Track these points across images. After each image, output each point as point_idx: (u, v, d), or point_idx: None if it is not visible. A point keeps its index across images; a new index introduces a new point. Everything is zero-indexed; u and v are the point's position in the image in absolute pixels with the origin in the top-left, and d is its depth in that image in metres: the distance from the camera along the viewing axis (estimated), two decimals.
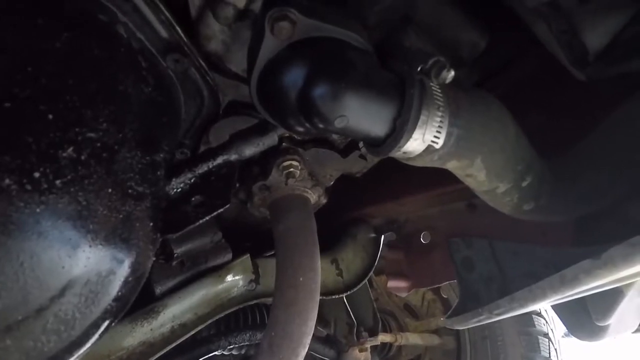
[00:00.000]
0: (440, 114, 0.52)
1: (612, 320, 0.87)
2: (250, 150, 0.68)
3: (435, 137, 0.53)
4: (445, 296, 2.12)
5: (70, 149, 0.38)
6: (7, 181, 0.33)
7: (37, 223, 0.35)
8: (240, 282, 1.12)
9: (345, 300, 1.48)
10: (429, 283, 1.54)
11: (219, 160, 0.64)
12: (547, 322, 1.54)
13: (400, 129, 0.52)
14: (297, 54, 0.49)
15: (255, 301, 1.19)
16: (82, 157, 0.39)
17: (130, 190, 0.45)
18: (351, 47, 0.51)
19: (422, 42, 0.81)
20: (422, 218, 1.57)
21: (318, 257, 1.05)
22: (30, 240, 0.34)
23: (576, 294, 0.65)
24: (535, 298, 0.64)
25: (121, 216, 0.43)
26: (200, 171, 0.62)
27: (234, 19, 0.58)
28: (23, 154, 0.35)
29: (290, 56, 0.49)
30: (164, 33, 0.57)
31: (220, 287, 1.08)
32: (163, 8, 0.54)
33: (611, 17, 0.74)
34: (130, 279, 0.44)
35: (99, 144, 0.42)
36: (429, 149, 0.56)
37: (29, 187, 0.34)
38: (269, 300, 1.24)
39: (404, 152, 0.56)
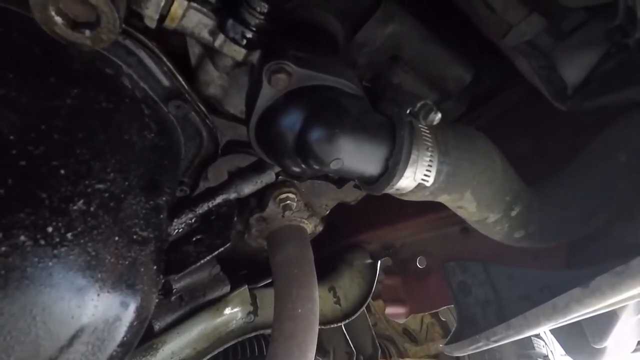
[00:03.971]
0: (429, 153, 0.56)
1: (609, 342, 0.89)
2: (249, 188, 0.70)
3: (425, 175, 0.56)
4: (443, 319, 2.12)
5: (81, 201, 0.40)
6: (22, 238, 0.35)
7: (49, 276, 0.36)
8: (239, 315, 1.11)
9: (343, 329, 1.48)
10: (426, 308, 1.54)
11: (219, 199, 0.66)
12: (546, 344, 1.54)
13: (392, 169, 0.55)
14: (294, 102, 0.52)
15: (254, 333, 1.18)
16: (92, 209, 0.41)
17: (135, 236, 0.46)
18: (344, 94, 0.55)
19: (410, 79, 0.86)
20: (417, 243, 1.59)
21: (316, 287, 1.05)
22: (42, 293, 0.36)
23: (570, 319, 0.67)
24: (530, 325, 0.65)
25: (127, 262, 0.44)
26: (200, 211, 0.64)
27: (232, 68, 0.61)
28: (37, 210, 0.37)
29: (287, 104, 0.52)
30: (166, 82, 0.60)
31: (219, 320, 1.07)
32: (165, 60, 0.57)
33: (586, 53, 0.79)
34: (135, 323, 0.45)
35: (106, 194, 0.44)
36: (420, 186, 0.59)
37: (42, 242, 0.36)
38: (269, 330, 1.24)
39: (397, 189, 0.59)
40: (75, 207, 0.40)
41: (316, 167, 0.54)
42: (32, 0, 0.38)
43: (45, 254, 0.36)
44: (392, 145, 0.55)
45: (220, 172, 0.81)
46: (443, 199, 0.65)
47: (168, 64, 0.56)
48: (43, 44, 0.45)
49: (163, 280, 0.54)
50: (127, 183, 0.47)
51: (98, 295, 0.40)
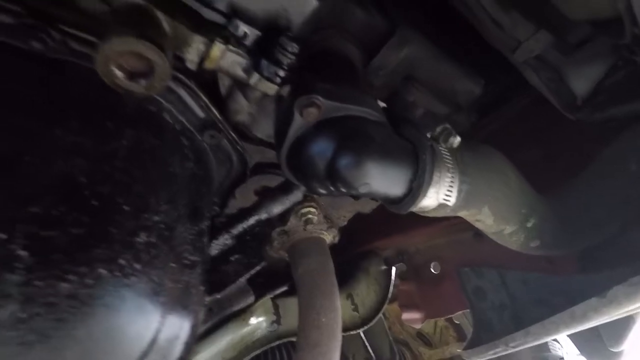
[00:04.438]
0: (450, 174, 0.60)
1: (626, 346, 0.92)
2: (278, 208, 0.75)
3: (447, 194, 0.60)
4: (457, 322, 2.14)
5: (144, 234, 0.45)
6: (101, 270, 0.40)
7: (123, 302, 0.41)
8: (264, 324, 1.16)
9: (362, 335, 1.51)
10: (442, 313, 1.57)
11: (252, 220, 0.71)
12: (561, 345, 1.57)
13: (416, 190, 0.59)
14: (323, 132, 0.56)
15: (278, 342, 1.23)
16: (152, 240, 0.46)
17: (185, 261, 0.51)
18: (368, 122, 0.59)
19: (423, 96, 0.90)
20: (430, 249, 1.61)
21: (338, 297, 1.10)
22: (119, 317, 0.40)
23: (587, 325, 0.71)
24: (549, 332, 0.69)
25: (181, 286, 0.49)
26: (236, 232, 0.68)
27: (261, 99, 0.66)
28: (110, 244, 0.42)
29: (317, 134, 0.57)
30: (201, 114, 0.65)
31: (245, 330, 1.12)
32: (202, 95, 0.62)
33: (594, 66, 0.82)
34: (189, 340, 0.49)
35: (162, 225, 0.49)
36: (442, 205, 0.63)
37: (117, 273, 0.41)
38: (292, 338, 1.28)
39: (420, 208, 0.63)
40: (139, 240, 0.45)
41: (345, 190, 0.58)
42: (97, 58, 0.43)
43: (119, 283, 0.41)
44: (415, 168, 0.59)
45: (248, 191, 0.86)
46: (462, 214, 0.69)
47: (204, 98, 0.61)
48: (99, 91, 0.50)
49: (207, 300, 0.59)
50: (176, 213, 0.52)
51: (161, 317, 0.45)
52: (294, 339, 1.37)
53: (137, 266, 0.43)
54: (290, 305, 1.28)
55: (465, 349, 1.16)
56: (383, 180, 0.58)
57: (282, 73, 0.53)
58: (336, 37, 0.68)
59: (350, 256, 1.72)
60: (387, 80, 0.84)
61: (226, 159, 0.75)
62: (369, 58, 0.77)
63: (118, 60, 0.44)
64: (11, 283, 0.35)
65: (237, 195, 0.85)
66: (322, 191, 0.64)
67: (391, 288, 1.62)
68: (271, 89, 0.56)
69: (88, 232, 0.41)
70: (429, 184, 0.59)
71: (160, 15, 0.50)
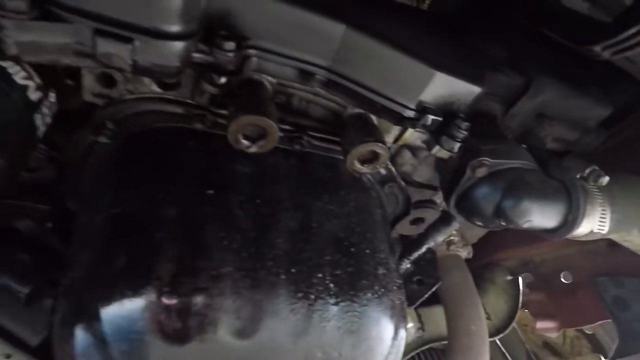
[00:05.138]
0: (600, 208, 0.73)
1: None
2: (441, 237, 0.94)
3: (600, 225, 0.73)
4: (589, 332, 2.07)
5: (381, 268, 0.68)
6: (368, 294, 0.63)
7: (377, 322, 0.63)
8: (412, 331, 1.35)
9: (498, 343, 1.61)
10: (579, 322, 1.59)
11: (424, 248, 0.91)
12: None
13: (571, 223, 0.73)
14: (491, 183, 0.74)
15: (424, 347, 1.41)
16: (385, 272, 0.69)
17: (397, 286, 0.73)
18: (526, 171, 0.75)
19: (554, 130, 1.01)
20: (559, 258, 1.65)
21: (482, 307, 1.24)
22: (377, 326, 0.63)
23: None
24: None
25: (400, 303, 0.70)
26: (413, 258, 0.89)
27: (427, 155, 0.86)
28: (367, 277, 0.65)
29: (485, 184, 0.75)
30: (384, 172, 0.87)
31: None
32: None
33: None
34: (403, 348, 0.70)
35: (384, 260, 0.71)
36: (593, 232, 0.76)
37: (375, 295, 0.64)
38: (436, 344, 1.45)
39: (573, 236, 0.77)
40: (380, 272, 0.68)
41: (511, 226, 0.75)
42: (350, 155, 0.67)
43: (376, 303, 0.64)
44: (569, 204, 0.74)
45: (405, 223, 1.07)
46: (612, 236, 0.80)
47: (389, 164, 0.83)
48: (332, 170, 0.76)
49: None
50: (387, 249, 0.74)
51: (395, 325, 0.67)
52: (434, 345, 1.53)
53: (382, 290, 0.66)
54: (431, 314, 1.45)
55: (612, 359, 1.21)
56: (542, 216, 0.73)
57: (457, 145, 0.73)
58: (485, 101, 0.85)
59: (472, 268, 1.82)
60: (522, 122, 0.98)
61: (394, 201, 0.96)
62: (508, 108, 0.93)
63: (357, 157, 0.68)
64: (329, 304, 0.60)
65: (396, 227, 1.06)
66: (485, 225, 0.81)
67: (521, 297, 1.68)
68: (446, 155, 0.75)
69: (356, 270, 0.65)
70: (582, 217, 0.73)
71: (372, 117, 0.73)
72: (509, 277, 1.73)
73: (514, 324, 1.63)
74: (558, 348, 2.25)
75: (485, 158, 0.73)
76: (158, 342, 0.51)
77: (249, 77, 0.64)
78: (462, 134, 0.72)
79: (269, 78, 0.66)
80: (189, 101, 0.67)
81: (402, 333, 0.70)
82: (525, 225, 0.74)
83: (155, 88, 0.65)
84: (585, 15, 0.74)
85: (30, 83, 0.52)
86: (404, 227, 1.05)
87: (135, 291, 0.50)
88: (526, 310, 1.79)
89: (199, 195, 0.61)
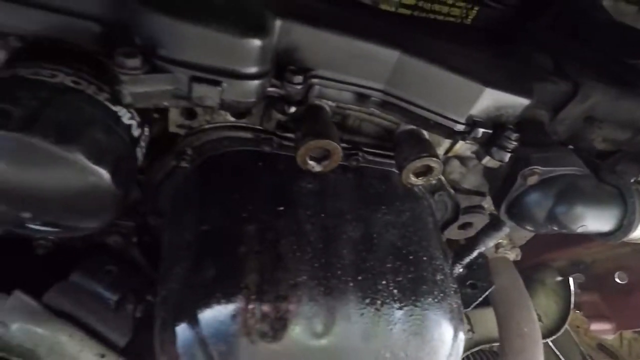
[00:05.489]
0: None
1: None
2: (491, 242, 0.97)
3: None
4: None
5: (439, 274, 0.73)
6: (429, 299, 0.68)
7: (439, 319, 0.68)
8: None
9: (551, 345, 1.60)
10: (637, 324, 1.54)
11: (475, 253, 0.94)
12: None
13: (627, 226, 0.75)
14: (543, 190, 0.77)
15: (474, 349, 1.43)
16: (442, 277, 0.73)
17: (454, 290, 0.77)
18: (578, 177, 0.77)
19: (603, 132, 1.01)
20: (612, 258, 1.61)
21: (533, 309, 1.25)
22: (439, 328, 0.68)
23: None
24: None
25: (457, 307, 0.75)
26: (464, 263, 0.92)
27: (476, 164, 0.90)
28: (427, 283, 0.70)
29: (537, 191, 0.77)
30: (434, 181, 0.91)
31: None
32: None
33: None
34: (462, 349, 0.74)
35: (441, 266, 0.76)
36: None
37: (436, 300, 0.69)
38: (486, 346, 1.46)
39: (629, 239, 0.78)
40: (438, 278, 0.72)
41: (563, 231, 0.77)
42: (406, 169, 0.73)
43: (437, 307, 0.69)
44: (624, 208, 0.75)
45: (453, 228, 1.10)
46: None
47: (440, 175, 0.88)
48: (387, 183, 0.81)
49: None
50: (442, 256, 0.79)
51: (454, 327, 0.71)
52: (483, 347, 1.54)
53: (441, 295, 0.71)
54: (479, 317, 1.46)
55: None
56: (596, 221, 0.75)
57: (507, 155, 0.76)
58: (532, 109, 0.87)
59: (521, 269, 1.80)
60: (570, 126, 0.99)
61: (443, 207, 1.00)
62: (555, 113, 0.94)
63: (413, 171, 0.73)
64: (394, 309, 0.66)
65: (445, 232, 1.10)
66: (536, 230, 0.83)
67: (572, 298, 1.66)
68: (496, 164, 0.79)
69: (415, 276, 0.70)
70: (639, 220, 0.74)
71: (424, 132, 0.78)
72: (559, 278, 1.71)
73: (566, 326, 1.60)
74: (615, 350, 2.17)
75: (536, 167, 0.75)
76: (248, 343, 0.59)
77: (312, 103, 0.70)
78: (512, 144, 0.75)
79: (329, 102, 0.72)
80: (258, 127, 0.75)
81: (461, 335, 0.74)
82: (580, 230, 0.76)
83: (229, 117, 0.73)
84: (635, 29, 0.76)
85: (133, 122, 0.61)
86: (453, 232, 1.09)
87: (228, 299, 0.58)
88: (577, 312, 1.76)
89: (272, 211, 0.69)
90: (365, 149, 0.82)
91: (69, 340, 0.93)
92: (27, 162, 0.49)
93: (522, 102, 0.76)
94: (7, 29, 0.55)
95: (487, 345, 1.53)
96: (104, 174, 0.52)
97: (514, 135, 0.76)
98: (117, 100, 0.54)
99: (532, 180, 0.76)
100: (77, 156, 0.49)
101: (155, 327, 0.66)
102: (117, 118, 0.58)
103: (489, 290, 0.84)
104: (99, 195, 0.54)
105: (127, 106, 0.56)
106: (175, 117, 0.71)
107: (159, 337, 0.64)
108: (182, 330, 0.60)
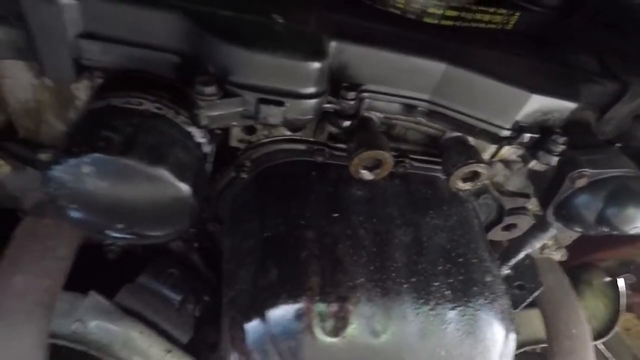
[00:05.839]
0: None
1: None
2: (537, 243, 0.98)
3: None
4: None
5: (488, 276, 0.75)
6: (481, 300, 0.71)
7: (491, 319, 0.71)
8: None
9: (601, 348, 1.56)
10: None
11: (521, 254, 0.95)
12: None
13: None
14: (592, 192, 0.78)
15: (519, 351, 1.42)
16: (491, 279, 0.76)
17: (503, 291, 0.79)
18: (628, 178, 0.77)
19: None
20: None
21: (582, 311, 1.23)
22: (491, 328, 0.71)
23: None
24: None
25: (506, 306, 0.77)
26: (510, 264, 0.94)
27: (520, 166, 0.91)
28: (477, 285, 0.73)
29: (586, 193, 0.78)
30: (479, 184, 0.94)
31: None
32: None
33: None
34: (514, 349, 0.76)
35: (490, 269, 0.78)
36: None
37: (487, 301, 0.72)
38: (528, 347, 1.45)
39: None
40: (487, 280, 0.75)
41: (615, 232, 0.77)
42: (454, 175, 0.76)
43: (488, 308, 0.72)
44: None
45: (497, 229, 1.11)
46: None
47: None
48: (434, 188, 0.84)
49: None
50: (490, 258, 0.81)
51: (505, 328, 0.74)
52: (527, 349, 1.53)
53: (492, 296, 0.73)
54: (525, 318, 1.45)
55: None
56: None
57: (554, 159, 0.77)
58: (579, 111, 0.88)
59: (567, 270, 1.77)
60: (618, 125, 0.98)
61: (487, 209, 1.02)
62: (602, 114, 0.94)
63: (461, 176, 0.76)
64: (447, 309, 0.69)
65: (489, 234, 1.11)
66: (586, 232, 0.84)
67: (622, 300, 1.61)
68: (543, 167, 0.80)
69: (466, 278, 0.73)
70: None
71: (470, 139, 0.81)
72: (607, 279, 1.66)
73: (616, 328, 1.56)
74: None
75: (585, 169, 0.76)
76: (313, 340, 0.64)
77: (362, 115, 0.75)
78: (560, 147, 0.77)
79: (377, 114, 0.77)
80: (311, 139, 0.80)
81: (512, 335, 0.77)
82: (633, 232, 0.76)
83: (285, 131, 0.79)
84: None
85: (203, 140, 0.68)
86: (496, 234, 1.10)
87: (294, 299, 0.64)
88: (627, 314, 1.70)
89: (328, 218, 0.74)
90: (411, 155, 0.85)
91: (139, 337, 1.02)
92: (124, 181, 0.56)
93: (569, 106, 0.77)
94: (96, 64, 0.63)
95: (531, 347, 1.52)
96: (187, 188, 0.59)
97: (562, 139, 0.77)
98: (195, 122, 0.61)
99: (581, 182, 0.77)
100: (165, 174, 0.56)
101: (223, 326, 0.73)
102: (191, 138, 0.65)
103: (538, 292, 0.85)
104: (180, 207, 0.61)
105: (202, 127, 0.63)
106: (237, 133, 0.78)
107: (229, 335, 0.71)
108: (253, 328, 0.66)
